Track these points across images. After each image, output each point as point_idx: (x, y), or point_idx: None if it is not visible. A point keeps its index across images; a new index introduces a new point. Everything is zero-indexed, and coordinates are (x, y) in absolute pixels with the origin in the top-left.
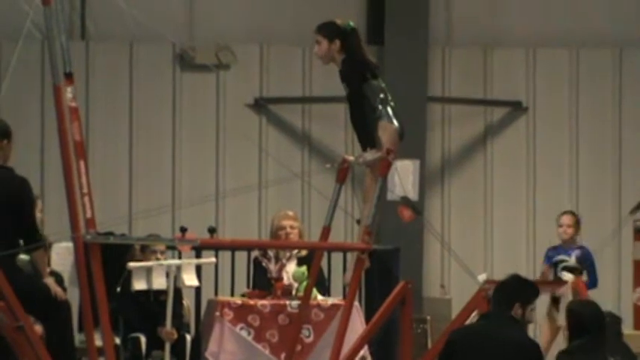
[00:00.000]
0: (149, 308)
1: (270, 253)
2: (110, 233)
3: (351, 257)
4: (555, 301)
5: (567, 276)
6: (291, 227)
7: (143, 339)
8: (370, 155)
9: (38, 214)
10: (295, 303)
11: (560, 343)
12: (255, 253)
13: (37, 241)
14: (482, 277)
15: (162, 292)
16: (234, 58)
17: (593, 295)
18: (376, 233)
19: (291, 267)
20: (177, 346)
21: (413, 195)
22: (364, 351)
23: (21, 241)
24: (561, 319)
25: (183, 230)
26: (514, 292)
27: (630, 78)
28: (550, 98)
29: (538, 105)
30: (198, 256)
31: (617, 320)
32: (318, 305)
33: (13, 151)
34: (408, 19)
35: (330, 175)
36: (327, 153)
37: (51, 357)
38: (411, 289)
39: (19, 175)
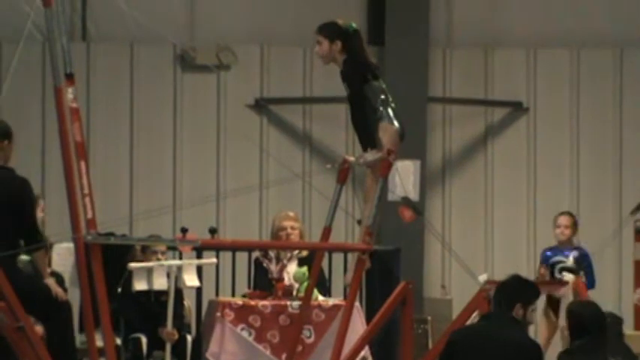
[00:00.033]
0: (150, 309)
1: (271, 253)
2: (111, 234)
3: (351, 258)
4: (551, 301)
5: (568, 276)
6: (292, 228)
7: (144, 339)
8: (371, 156)
9: (40, 214)
10: (296, 303)
11: (557, 342)
12: (256, 254)
13: (38, 242)
14: (482, 278)
15: (163, 293)
16: (235, 58)
17: (593, 295)
18: (377, 234)
19: (292, 267)
20: (178, 347)
21: (414, 195)
22: (365, 351)
23: (21, 242)
24: (562, 319)
25: (184, 231)
26: (515, 293)
27: (631, 78)
28: (551, 98)
29: (539, 105)
30: (199, 256)
31: (618, 321)
32: (319, 306)
33: (14, 152)
34: (408, 20)
35: (331, 175)
36: (327, 153)
37: (51, 357)
38: (411, 289)
39: (20, 175)
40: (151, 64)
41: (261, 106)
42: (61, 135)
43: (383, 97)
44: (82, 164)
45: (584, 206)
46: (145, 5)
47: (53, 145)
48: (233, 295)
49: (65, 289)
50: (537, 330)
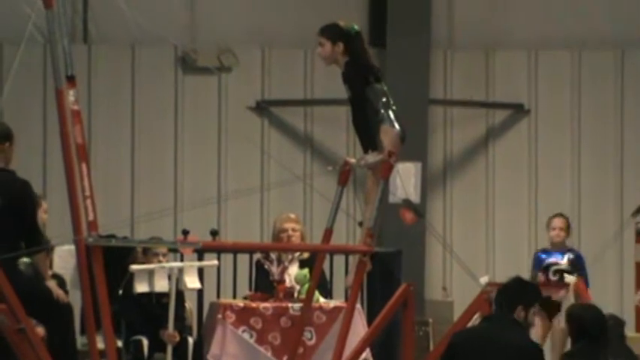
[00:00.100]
0: (151, 311)
1: (273, 255)
2: (112, 236)
3: (352, 260)
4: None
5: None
6: (293, 230)
7: (145, 342)
8: (372, 158)
9: (43, 215)
10: (297, 305)
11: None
12: (257, 256)
13: (39, 244)
14: (484, 280)
15: (165, 295)
16: (236, 60)
17: (594, 297)
18: (378, 236)
19: (293, 269)
20: (180, 349)
21: (415, 197)
22: (366, 353)
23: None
24: (562, 321)
25: (186, 233)
26: (517, 295)
27: (632, 80)
28: (552, 100)
29: (540, 107)
30: (200, 258)
31: (620, 323)
32: (320, 308)
33: (16, 154)
34: (409, 22)
35: (332, 177)
36: (328, 155)
37: None
38: (412, 291)
39: (21, 177)
40: (152, 66)
41: (262, 108)
42: (63, 137)
43: (384, 99)
44: (84, 166)
45: (585, 208)
46: (146, 7)
47: (54, 147)
48: (234, 297)
49: (66, 292)
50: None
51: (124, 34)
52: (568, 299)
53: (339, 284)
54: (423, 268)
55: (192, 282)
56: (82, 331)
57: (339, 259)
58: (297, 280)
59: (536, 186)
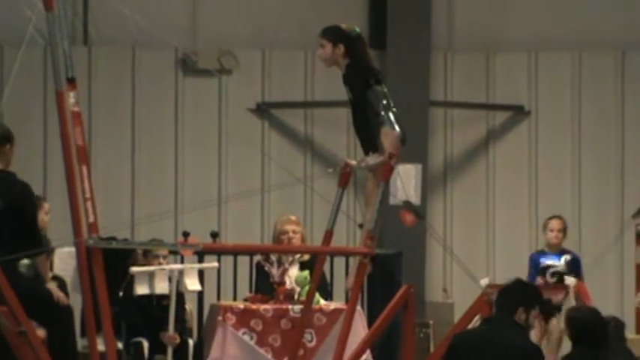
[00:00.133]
0: (151, 313)
1: (273, 257)
2: (112, 238)
3: (353, 262)
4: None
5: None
6: (294, 232)
7: (146, 344)
8: (372, 159)
9: (45, 217)
10: (298, 307)
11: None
12: (257, 258)
13: (39, 246)
14: (484, 282)
15: (165, 297)
16: (237, 62)
17: (594, 299)
18: (378, 237)
19: (294, 271)
20: (180, 351)
21: (415, 199)
22: (366, 355)
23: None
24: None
25: (186, 235)
26: (518, 297)
27: (633, 81)
28: (552, 102)
29: (540, 109)
30: (200, 260)
31: (620, 325)
32: (321, 309)
33: (16, 156)
34: (410, 24)
35: (333, 179)
36: (329, 157)
37: None
38: (413, 293)
39: (21, 179)
40: (153, 68)
41: (262, 110)
42: (63, 139)
43: (385, 101)
44: (84, 168)
45: (586, 210)
46: (146, 9)
47: (55, 149)
48: (234, 299)
49: (67, 294)
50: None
51: (124, 37)
52: (569, 301)
53: (340, 286)
54: (424, 269)
55: (192, 284)
56: (83, 334)
57: (339, 261)
58: (298, 282)
59: (536, 188)
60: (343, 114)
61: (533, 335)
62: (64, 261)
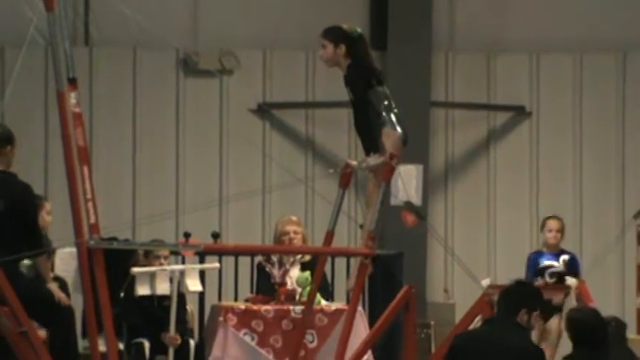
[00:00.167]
0: (153, 313)
1: (274, 258)
2: (114, 238)
3: (354, 262)
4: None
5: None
6: (295, 232)
7: (147, 344)
8: (373, 160)
9: (47, 217)
10: (299, 308)
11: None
12: (258, 259)
13: (40, 247)
14: (485, 282)
15: (166, 298)
16: (238, 63)
17: (595, 299)
18: (380, 238)
19: (295, 272)
20: (181, 352)
21: (416, 200)
22: (368, 356)
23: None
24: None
25: (187, 235)
26: (520, 299)
27: (634, 83)
28: (553, 103)
29: (541, 110)
30: (201, 261)
31: (622, 325)
32: (322, 310)
33: (17, 157)
34: (411, 24)
35: (334, 179)
36: (330, 158)
37: None
38: (414, 293)
39: (22, 180)
40: (154, 69)
41: (263, 110)
42: (64, 139)
43: (386, 102)
44: (85, 169)
45: (587, 211)
46: (147, 10)
47: (56, 149)
48: (236, 299)
49: (68, 294)
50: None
51: (125, 37)
52: (570, 302)
53: (341, 287)
54: (425, 270)
55: (193, 284)
56: (84, 334)
57: (340, 262)
58: (299, 283)
59: (537, 188)
60: (344, 114)
61: (533, 335)
62: (65, 261)
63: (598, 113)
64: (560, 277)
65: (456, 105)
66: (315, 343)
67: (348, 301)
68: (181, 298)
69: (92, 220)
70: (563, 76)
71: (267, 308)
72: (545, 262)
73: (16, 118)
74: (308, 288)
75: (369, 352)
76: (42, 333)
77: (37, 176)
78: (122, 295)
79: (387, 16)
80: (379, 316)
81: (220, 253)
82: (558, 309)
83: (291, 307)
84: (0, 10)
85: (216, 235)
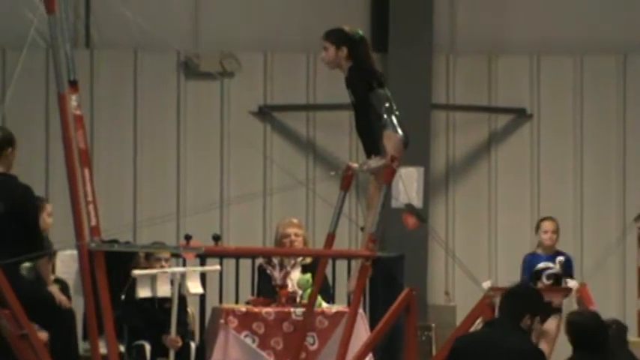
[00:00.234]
0: (154, 316)
1: (275, 260)
2: (115, 241)
3: (355, 264)
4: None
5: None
6: (296, 235)
7: (148, 347)
8: (374, 162)
9: (48, 219)
10: (300, 310)
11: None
12: (259, 261)
13: (41, 249)
14: (486, 285)
15: (167, 300)
16: (239, 65)
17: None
18: (381, 240)
19: (296, 274)
20: (182, 354)
21: (417, 202)
22: (369, 358)
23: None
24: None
25: (188, 238)
26: (525, 303)
27: (634, 85)
28: (554, 105)
29: (542, 112)
30: (202, 263)
31: (622, 328)
32: (323, 313)
33: (18, 159)
34: (412, 27)
35: (335, 182)
36: (331, 160)
37: None
38: (415, 296)
39: (23, 182)
40: (155, 71)
41: (264, 113)
42: (65, 142)
43: (387, 104)
44: (86, 171)
45: (588, 213)
46: (148, 12)
47: (57, 152)
48: (237, 302)
49: (69, 297)
50: None
51: (126, 39)
52: (571, 304)
53: (342, 289)
54: (426, 272)
55: (194, 287)
56: (85, 337)
57: (341, 264)
58: (300, 285)
59: (538, 191)
60: (345, 117)
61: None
62: (66, 264)
63: (599, 115)
64: (557, 278)
65: (456, 107)
66: (315, 346)
67: (348, 304)
68: (182, 300)
69: (93, 222)
70: (563, 78)
71: (268, 310)
72: (542, 264)
73: (16, 121)
74: (309, 290)
75: (370, 355)
76: (43, 335)
77: (38, 179)
78: (123, 297)
79: (388, 18)
80: (380, 318)
81: (221, 255)
82: (557, 310)
83: (292, 310)
84: (1, 12)
85: (217, 238)
